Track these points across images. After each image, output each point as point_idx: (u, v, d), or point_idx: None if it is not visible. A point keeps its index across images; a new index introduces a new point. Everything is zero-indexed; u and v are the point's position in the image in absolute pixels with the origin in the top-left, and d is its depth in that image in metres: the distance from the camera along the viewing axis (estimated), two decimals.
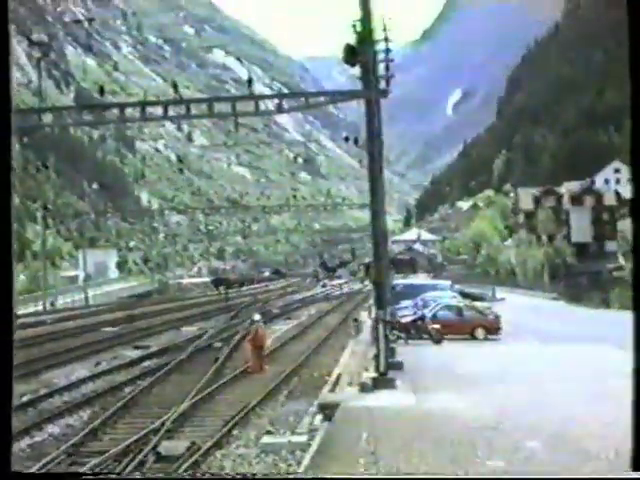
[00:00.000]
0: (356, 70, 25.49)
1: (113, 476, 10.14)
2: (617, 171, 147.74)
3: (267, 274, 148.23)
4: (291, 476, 11.04)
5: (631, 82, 5.84)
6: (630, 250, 6.78)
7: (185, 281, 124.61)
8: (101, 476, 10.14)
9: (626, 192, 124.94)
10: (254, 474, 15.08)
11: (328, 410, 19.45)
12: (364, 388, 22.09)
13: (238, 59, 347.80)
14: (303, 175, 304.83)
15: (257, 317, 33.63)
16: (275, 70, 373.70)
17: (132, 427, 20.74)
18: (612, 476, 8.84)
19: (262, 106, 30.28)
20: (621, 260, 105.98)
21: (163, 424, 20.13)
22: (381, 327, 23.44)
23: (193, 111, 31.28)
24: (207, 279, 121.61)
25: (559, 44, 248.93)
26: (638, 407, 6.49)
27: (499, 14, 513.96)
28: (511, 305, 68.34)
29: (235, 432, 20.21)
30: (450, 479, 12.44)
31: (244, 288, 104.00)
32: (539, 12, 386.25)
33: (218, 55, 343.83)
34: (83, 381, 29.12)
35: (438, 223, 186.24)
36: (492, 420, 17.45)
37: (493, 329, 40.21)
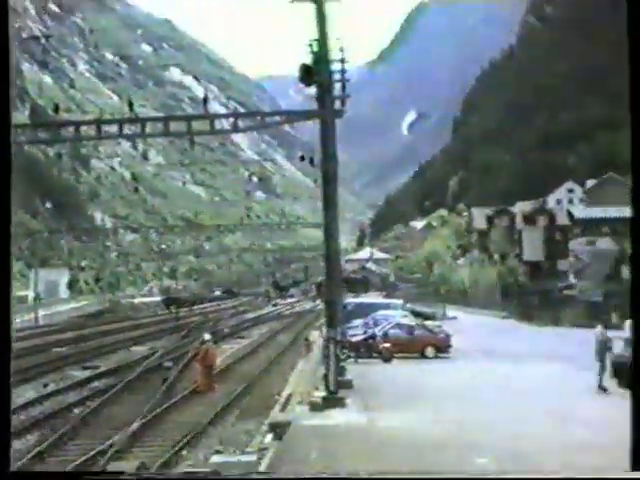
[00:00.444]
0: (312, 90, 25.62)
1: (113, 476, 10.09)
2: (570, 191, 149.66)
3: (219, 293, 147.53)
4: (291, 476, 11.04)
5: (631, 83, 5.95)
6: (629, 259, 6.89)
7: (137, 300, 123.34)
8: (101, 476, 10.12)
9: (578, 212, 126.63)
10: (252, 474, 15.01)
11: (278, 429, 19.43)
12: (314, 407, 22.10)
13: (195, 77, 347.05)
14: (258, 194, 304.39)
15: (207, 336, 33.50)
16: (232, 89, 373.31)
17: (81, 448, 20.53)
18: (612, 476, 8.94)
19: (218, 125, 30.38)
20: (572, 279, 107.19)
21: (112, 445, 19.97)
22: (331, 346, 23.49)
23: (149, 129, 31.16)
24: (159, 298, 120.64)
25: (514, 67, 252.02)
26: (637, 407, 6.58)
27: (455, 36, 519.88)
28: (462, 324, 68.78)
29: (184, 452, 20.10)
30: (450, 479, 12.53)
31: (195, 307, 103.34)
32: (494, 35, 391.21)
33: (175, 73, 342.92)
34: (31, 403, 28.68)
35: (392, 242, 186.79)
36: (442, 437, 17.56)
37: (443, 347, 40.44)
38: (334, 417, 20.87)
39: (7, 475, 5.93)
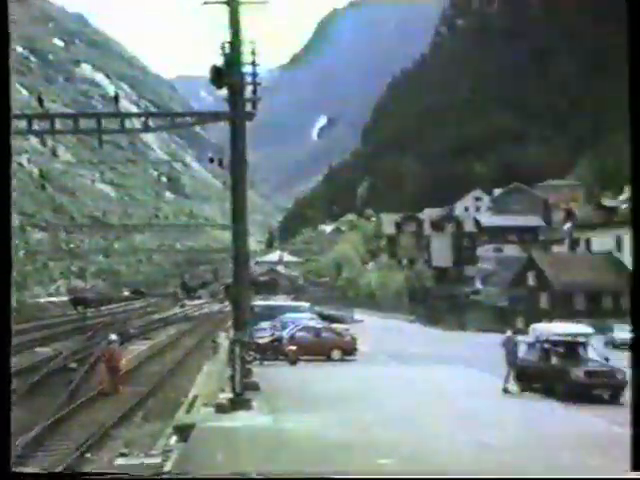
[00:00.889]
0: (224, 91, 25.61)
1: (113, 476, 9.95)
2: (478, 199, 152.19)
3: (127, 294, 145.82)
4: (292, 476, 11.04)
5: (630, 86, 6.10)
6: (631, 267, 7.04)
7: (43, 300, 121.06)
8: (101, 476, 9.98)
9: (485, 220, 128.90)
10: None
11: (184, 431, 19.37)
12: (220, 409, 22.08)
13: (106, 75, 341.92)
14: (167, 194, 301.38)
15: (113, 337, 33.13)
16: (143, 88, 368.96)
17: None
18: (612, 476, 9.13)
19: (128, 124, 30.03)
20: (479, 285, 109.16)
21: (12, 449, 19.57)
22: (237, 348, 23.50)
23: (58, 126, 30.67)
24: (66, 298, 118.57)
25: (425, 75, 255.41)
26: (637, 408, 6.73)
27: (367, 43, 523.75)
28: (369, 327, 69.41)
29: (88, 455, 19.87)
30: (450, 479, 12.63)
31: (103, 307, 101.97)
32: (407, 43, 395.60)
33: (86, 70, 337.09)
34: None
35: (301, 245, 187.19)
36: (346, 439, 17.74)
37: (349, 350, 40.79)
38: (240, 419, 20.90)
39: (8, 475, 5.91)
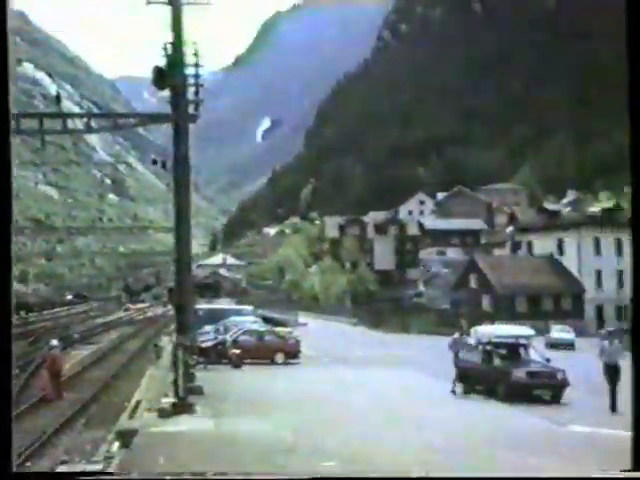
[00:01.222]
0: (167, 92, 25.46)
1: (113, 476, 9.77)
2: (421, 203, 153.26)
3: (70, 298, 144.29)
4: (293, 476, 10.92)
5: (630, 86, 6.11)
6: (631, 271, 7.04)
7: None
8: (101, 476, 9.80)
9: (429, 223, 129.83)
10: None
11: (126, 437, 19.16)
12: (163, 413, 21.91)
13: (48, 74, 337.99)
14: (111, 196, 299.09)
15: (54, 342, 32.66)
16: (86, 88, 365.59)
17: None
18: (612, 476, 9.13)
19: (70, 124, 29.64)
20: (422, 287, 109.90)
21: None
22: (180, 352, 23.35)
23: None
24: None
25: (368, 79, 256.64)
26: (638, 408, 6.72)
27: (311, 46, 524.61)
28: (313, 330, 69.57)
29: (29, 463, 19.55)
30: (451, 479, 12.58)
31: (45, 312, 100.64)
32: (350, 48, 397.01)
33: (28, 69, 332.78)
34: None
35: (245, 248, 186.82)
36: (289, 442, 17.72)
37: (293, 353, 40.78)
38: (183, 423, 20.77)
39: (9, 475, 5.84)
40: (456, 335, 31.88)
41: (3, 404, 5.78)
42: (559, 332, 62.26)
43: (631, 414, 7.04)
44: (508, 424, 22.38)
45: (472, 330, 34.01)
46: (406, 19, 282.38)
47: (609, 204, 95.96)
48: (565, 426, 21.97)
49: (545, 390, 28.12)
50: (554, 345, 56.98)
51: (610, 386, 24.89)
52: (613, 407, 24.54)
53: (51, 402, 28.59)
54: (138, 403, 24.98)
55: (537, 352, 30.31)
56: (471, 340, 32.36)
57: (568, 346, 57.76)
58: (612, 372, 24.88)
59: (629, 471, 7.48)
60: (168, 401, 23.19)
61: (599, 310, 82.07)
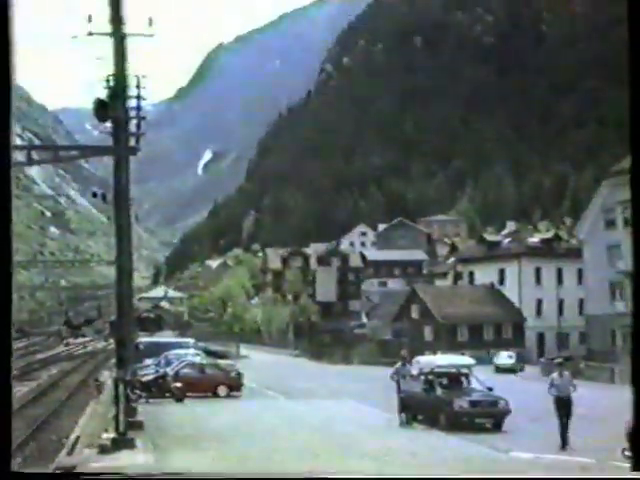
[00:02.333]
0: (109, 124, 25.33)
1: (113, 476, 9.53)
2: (363, 234, 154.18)
3: None
4: (293, 477, 10.74)
5: (630, 89, 6.15)
6: (631, 281, 7.07)
7: None
8: (101, 476, 9.60)
9: (371, 254, 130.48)
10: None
11: None
12: (103, 449, 21.62)
13: None
14: (52, 229, 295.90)
15: None
16: (27, 119, 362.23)
17: None
18: (612, 476, 9.11)
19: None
20: (364, 318, 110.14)
21: None
22: (121, 386, 23.08)
23: None
24: None
25: (310, 111, 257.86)
26: (638, 408, 6.73)
27: (253, 78, 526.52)
28: (255, 362, 69.42)
29: None
30: (450, 479, 12.44)
31: None
32: (292, 80, 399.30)
33: None
34: None
35: (187, 281, 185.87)
36: (229, 474, 17.59)
37: (235, 386, 40.55)
38: (122, 458, 20.52)
39: (8, 475, 5.75)
40: (398, 365, 31.96)
41: (1, 404, 5.75)
42: (503, 358, 67.09)
43: (631, 414, 7.15)
44: (449, 452, 22.48)
45: (414, 360, 34.19)
46: (348, 52, 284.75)
47: (549, 234, 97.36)
48: (507, 452, 22.16)
49: (487, 418, 28.33)
50: (500, 370, 62.14)
51: (562, 420, 23.80)
52: (564, 443, 23.44)
53: None
54: (77, 439, 24.62)
55: (478, 381, 30.52)
56: (413, 370, 32.51)
57: (511, 370, 62.70)
58: (564, 405, 23.88)
59: (629, 471, 7.56)
60: (108, 436, 22.90)
61: (540, 338, 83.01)
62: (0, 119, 5.93)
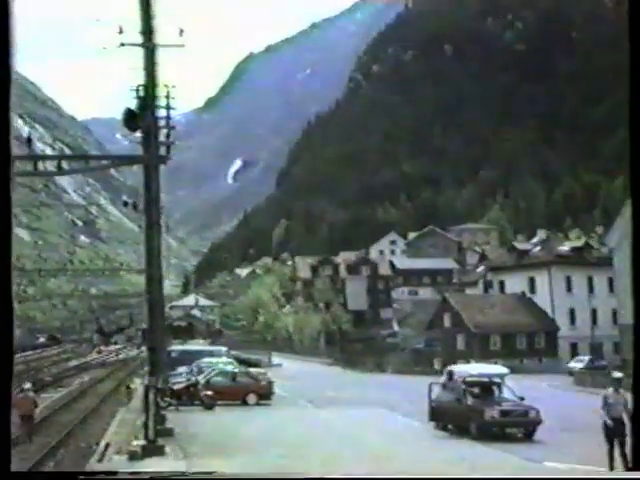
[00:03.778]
0: (139, 134, 25.49)
1: (113, 476, 9.59)
2: (393, 242, 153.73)
3: (42, 340, 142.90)
4: (292, 476, 10.79)
5: (630, 92, 6.15)
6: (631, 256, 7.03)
7: None
8: (100, 476, 9.68)
9: (400, 263, 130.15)
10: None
11: None
12: (133, 456, 21.71)
13: (20, 116, 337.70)
14: (82, 238, 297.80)
15: (27, 385, 32.29)
16: (58, 130, 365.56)
17: None
18: (612, 476, 9.09)
19: (41, 166, 29.52)
20: (395, 327, 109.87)
21: None
22: (151, 394, 23.17)
23: None
24: None
25: (340, 120, 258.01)
26: (638, 408, 6.71)
27: (283, 87, 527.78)
28: (287, 371, 69.30)
29: None
30: (450, 479, 12.42)
31: (17, 355, 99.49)
32: (322, 89, 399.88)
33: None
34: None
35: (217, 289, 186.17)
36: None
37: (265, 394, 40.56)
38: (152, 465, 20.57)
39: (8, 475, 5.83)
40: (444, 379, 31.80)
41: (1, 405, 5.79)
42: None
43: (631, 415, 7.07)
44: (480, 460, 22.33)
45: (445, 370, 34.09)
46: (378, 60, 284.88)
47: (579, 243, 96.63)
48: (539, 462, 21.99)
49: (518, 428, 28.19)
50: None
51: (612, 443, 20.27)
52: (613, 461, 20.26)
53: (18, 446, 28.19)
54: (107, 446, 24.74)
55: (510, 390, 30.35)
56: (443, 379, 32.45)
57: None
58: (616, 430, 19.98)
59: (629, 471, 7.54)
60: (138, 443, 22.99)
61: (573, 348, 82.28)
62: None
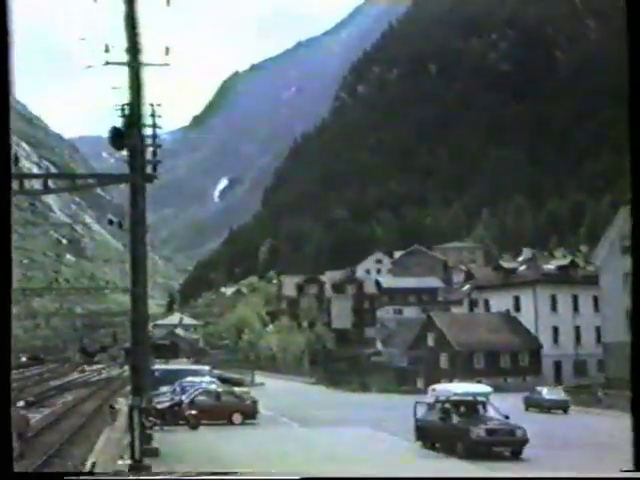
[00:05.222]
0: (125, 152, 25.46)
1: (113, 477, 9.55)
2: (378, 261, 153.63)
3: (24, 359, 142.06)
4: (293, 477, 10.76)
5: (630, 96, 6.16)
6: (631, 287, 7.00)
7: None
8: (101, 476, 9.66)
9: (386, 282, 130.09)
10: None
11: None
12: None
13: None
14: (68, 257, 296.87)
15: (21, 403, 32.25)
16: (44, 148, 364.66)
17: None
18: (612, 476, 9.06)
19: (27, 185, 29.38)
20: (379, 346, 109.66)
21: None
22: (136, 414, 23.05)
23: None
24: None
25: (325, 139, 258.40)
26: (638, 408, 6.70)
27: (269, 106, 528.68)
28: (271, 389, 69.16)
29: None
30: (451, 479, 12.38)
31: None
32: (307, 108, 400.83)
33: None
34: None
35: (202, 308, 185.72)
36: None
37: (250, 414, 40.43)
38: None
39: (10, 475, 5.79)
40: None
41: (2, 406, 5.78)
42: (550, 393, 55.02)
43: (631, 414, 7.08)
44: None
45: (429, 389, 34.05)
46: (363, 80, 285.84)
47: (565, 261, 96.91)
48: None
49: (505, 447, 28.18)
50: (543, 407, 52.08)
51: None
52: None
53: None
54: (93, 466, 24.58)
55: (495, 409, 30.34)
56: (428, 398, 32.41)
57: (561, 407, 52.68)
58: None
59: (629, 471, 7.53)
60: (124, 463, 22.87)
61: (557, 366, 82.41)
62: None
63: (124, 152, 25.52)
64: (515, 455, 27.73)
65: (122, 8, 23.97)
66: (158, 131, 28.54)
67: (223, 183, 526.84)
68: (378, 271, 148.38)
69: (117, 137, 24.74)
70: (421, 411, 31.33)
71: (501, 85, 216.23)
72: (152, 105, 27.36)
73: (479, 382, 48.37)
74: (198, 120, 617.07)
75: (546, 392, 54.16)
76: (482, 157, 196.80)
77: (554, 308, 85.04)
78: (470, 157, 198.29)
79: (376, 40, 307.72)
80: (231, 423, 39.08)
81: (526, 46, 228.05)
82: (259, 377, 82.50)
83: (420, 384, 69.95)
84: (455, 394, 30.91)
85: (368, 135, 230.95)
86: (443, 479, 13.04)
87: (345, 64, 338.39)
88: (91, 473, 13.82)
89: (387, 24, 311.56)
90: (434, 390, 33.38)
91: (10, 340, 5.84)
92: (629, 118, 6.21)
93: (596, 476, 10.78)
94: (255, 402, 41.89)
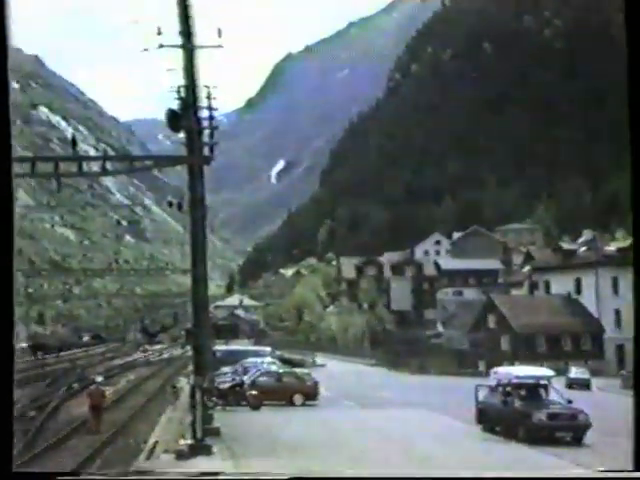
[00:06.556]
0: (182, 135, 25.55)
1: (113, 476, 9.70)
2: (437, 243, 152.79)
3: (87, 339, 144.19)
4: (294, 476, 10.82)
5: (629, 95, 6.05)
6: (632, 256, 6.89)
7: None
8: (101, 476, 9.81)
9: (445, 263, 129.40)
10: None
11: None
12: (180, 455, 21.74)
13: (64, 117, 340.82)
14: (127, 238, 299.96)
15: (99, 378, 32.94)
16: (101, 131, 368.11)
17: None
18: (612, 476, 8.99)
19: (86, 167, 29.65)
20: (439, 328, 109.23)
21: None
22: (198, 394, 23.20)
23: (16, 169, 30.18)
24: (25, 344, 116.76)
25: (380, 120, 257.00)
26: (638, 408, 6.63)
27: (324, 87, 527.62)
28: (331, 371, 69.24)
29: None
30: (452, 479, 12.36)
31: (63, 353, 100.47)
32: (361, 89, 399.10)
33: (43, 112, 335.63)
34: None
35: (261, 289, 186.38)
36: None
37: (311, 395, 40.46)
38: (199, 465, 20.57)
39: (10, 475, 5.86)
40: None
41: (4, 405, 5.76)
42: (576, 373, 62.26)
43: (632, 415, 6.91)
44: (531, 466, 22.03)
45: (491, 372, 33.77)
46: (417, 59, 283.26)
47: (626, 243, 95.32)
48: (586, 467, 21.64)
49: (567, 432, 27.73)
50: (571, 385, 56.96)
51: None
52: None
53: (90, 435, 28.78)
54: (155, 444, 24.80)
55: (558, 393, 29.95)
56: (490, 382, 32.14)
57: (584, 386, 57.75)
58: None
59: (629, 471, 7.39)
60: (185, 442, 23.03)
61: (619, 350, 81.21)
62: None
63: (180, 134, 25.63)
64: (577, 441, 27.22)
65: None
66: (214, 113, 28.56)
67: (279, 165, 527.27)
68: (437, 252, 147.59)
69: (174, 119, 24.85)
70: (482, 394, 31.06)
71: (560, 61, 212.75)
72: (207, 87, 27.38)
73: (541, 365, 47.93)
74: (252, 102, 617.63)
75: (573, 372, 61.39)
76: (540, 137, 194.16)
77: (616, 291, 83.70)
78: (527, 137, 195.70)
79: (429, 19, 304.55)
80: (292, 404, 39.17)
81: (581, 23, 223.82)
82: (320, 358, 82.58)
83: (482, 367, 69.47)
84: (517, 377, 30.58)
85: (424, 115, 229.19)
86: (443, 479, 12.85)
87: (398, 44, 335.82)
88: (95, 473, 13.87)
89: (439, 3, 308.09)
90: (496, 373, 33.10)
91: (13, 339, 5.78)
92: (629, 118, 6.03)
93: (596, 476, 10.58)
94: (316, 383, 41.90)
